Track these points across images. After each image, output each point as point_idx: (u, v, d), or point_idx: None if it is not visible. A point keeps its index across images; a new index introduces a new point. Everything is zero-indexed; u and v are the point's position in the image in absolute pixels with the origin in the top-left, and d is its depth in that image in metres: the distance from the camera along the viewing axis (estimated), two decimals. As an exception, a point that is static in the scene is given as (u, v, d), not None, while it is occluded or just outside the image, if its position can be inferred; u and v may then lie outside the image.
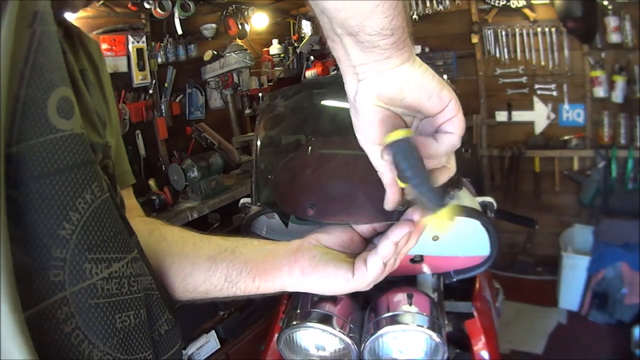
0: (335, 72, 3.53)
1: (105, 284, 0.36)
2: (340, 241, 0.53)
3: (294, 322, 0.95)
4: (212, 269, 0.53)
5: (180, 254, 0.55)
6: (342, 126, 0.78)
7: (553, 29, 2.93)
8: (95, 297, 0.36)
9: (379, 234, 0.54)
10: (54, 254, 0.33)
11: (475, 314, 1.18)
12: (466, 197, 0.95)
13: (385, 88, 0.41)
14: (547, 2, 2.88)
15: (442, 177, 0.46)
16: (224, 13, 3.02)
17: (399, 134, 0.40)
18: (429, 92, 0.42)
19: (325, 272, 0.49)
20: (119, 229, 0.39)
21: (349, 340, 0.94)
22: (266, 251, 0.54)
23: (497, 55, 3.14)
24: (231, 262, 0.53)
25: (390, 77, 0.41)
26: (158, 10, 2.47)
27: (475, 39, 3.17)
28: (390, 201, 0.48)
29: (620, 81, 2.77)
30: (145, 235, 0.51)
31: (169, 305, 0.47)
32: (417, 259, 1.02)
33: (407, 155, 0.40)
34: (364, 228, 0.53)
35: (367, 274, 0.49)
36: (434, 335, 0.91)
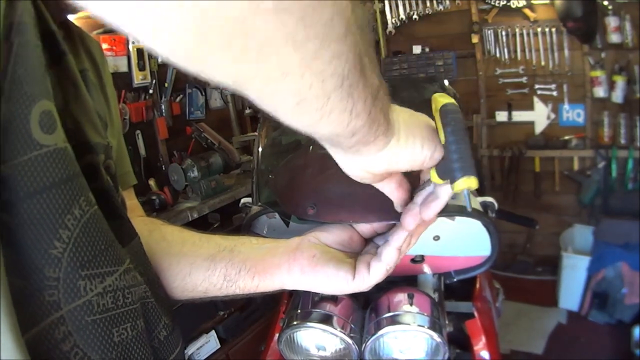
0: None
1: (101, 299, 0.36)
2: (340, 240, 0.53)
3: (295, 322, 0.95)
4: (211, 268, 0.53)
5: (180, 254, 0.54)
6: None
7: (553, 29, 2.93)
8: (92, 314, 0.35)
9: (380, 234, 0.54)
10: (47, 274, 0.33)
11: (475, 314, 1.18)
12: (467, 197, 0.95)
13: (373, 168, 0.39)
14: (547, 2, 2.88)
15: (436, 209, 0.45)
16: (224, 13, 3.02)
17: (445, 100, 0.40)
18: (421, 161, 0.40)
19: (325, 272, 0.49)
20: (110, 241, 0.38)
21: (349, 340, 0.94)
22: (265, 249, 0.54)
23: (497, 55, 3.14)
24: (230, 261, 0.53)
25: (372, 162, 0.38)
26: (158, 10, 2.47)
27: (475, 39, 3.17)
28: (402, 201, 0.48)
29: (620, 81, 2.77)
30: (145, 236, 0.51)
31: (166, 310, 0.47)
32: (418, 259, 1.02)
33: (454, 119, 0.39)
34: (364, 227, 0.53)
35: (368, 278, 0.49)
36: (435, 336, 0.91)
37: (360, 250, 0.53)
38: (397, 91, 0.82)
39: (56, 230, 0.33)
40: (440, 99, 0.40)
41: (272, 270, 0.51)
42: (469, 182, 0.37)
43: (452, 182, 0.37)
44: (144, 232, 0.52)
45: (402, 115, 0.40)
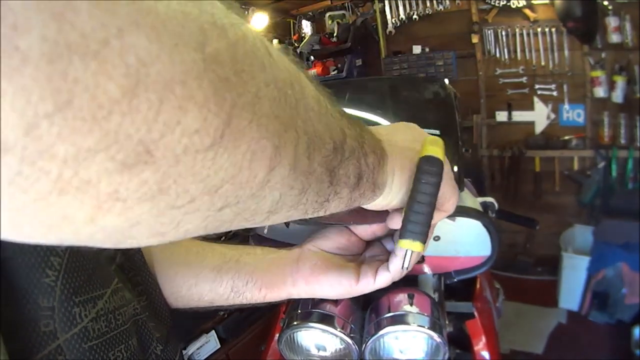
0: (335, 72, 3.54)
1: (95, 324, 0.36)
2: (339, 244, 0.53)
3: (295, 322, 0.95)
4: (217, 280, 0.53)
5: (184, 264, 0.54)
6: None
7: (553, 29, 2.93)
8: (88, 340, 0.35)
9: (381, 236, 0.54)
10: (41, 304, 0.32)
11: (475, 314, 1.18)
12: (467, 198, 0.95)
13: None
14: (547, 2, 2.88)
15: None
16: (224, 13, 3.02)
17: (431, 150, 0.38)
18: None
19: (327, 279, 0.50)
20: (97, 262, 0.38)
21: (349, 341, 0.94)
22: (270, 261, 0.54)
23: (497, 55, 3.14)
24: (237, 272, 0.53)
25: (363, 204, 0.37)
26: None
27: (475, 39, 3.17)
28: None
29: (620, 81, 2.77)
30: None
31: (159, 323, 0.47)
32: (418, 259, 1.02)
33: (429, 178, 0.37)
34: (363, 230, 0.53)
35: (373, 284, 0.49)
36: (435, 336, 0.91)
37: (360, 253, 0.54)
38: (398, 91, 0.82)
39: (47, 257, 0.32)
40: (428, 147, 0.38)
41: (278, 283, 0.52)
42: (412, 246, 0.38)
43: (400, 237, 0.38)
44: None
45: (398, 161, 0.38)
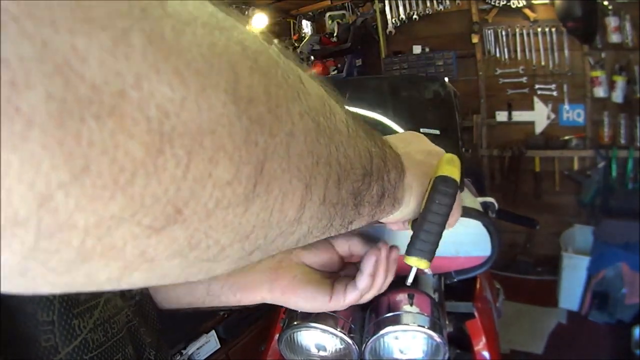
0: (335, 72, 3.54)
1: (94, 334, 0.35)
2: (320, 260, 0.54)
3: (295, 322, 0.95)
4: (193, 284, 0.53)
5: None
6: None
7: (553, 29, 2.93)
8: (89, 352, 0.35)
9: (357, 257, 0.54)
10: (40, 319, 0.32)
11: (476, 314, 1.18)
12: (467, 198, 0.95)
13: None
14: (547, 2, 2.88)
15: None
16: (224, 13, 3.02)
17: (447, 169, 0.37)
18: None
19: (304, 293, 0.51)
20: None
21: (349, 341, 0.94)
22: (247, 265, 0.53)
23: (497, 55, 3.14)
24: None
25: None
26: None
27: (475, 39, 3.17)
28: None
29: (620, 81, 2.77)
30: None
31: (148, 329, 0.47)
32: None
33: (442, 199, 0.37)
34: (343, 248, 0.54)
35: (344, 301, 0.50)
36: (435, 336, 0.91)
37: (337, 270, 0.55)
38: (398, 90, 0.82)
39: None
40: (445, 166, 0.38)
41: (253, 288, 0.52)
42: (419, 263, 0.39)
43: (407, 253, 0.39)
44: None
45: (416, 176, 0.37)
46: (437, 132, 0.75)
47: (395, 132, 0.75)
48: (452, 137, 0.73)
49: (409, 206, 0.38)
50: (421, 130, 0.74)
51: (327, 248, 0.54)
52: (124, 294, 0.45)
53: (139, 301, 0.47)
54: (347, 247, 0.54)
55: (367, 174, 0.27)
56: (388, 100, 0.75)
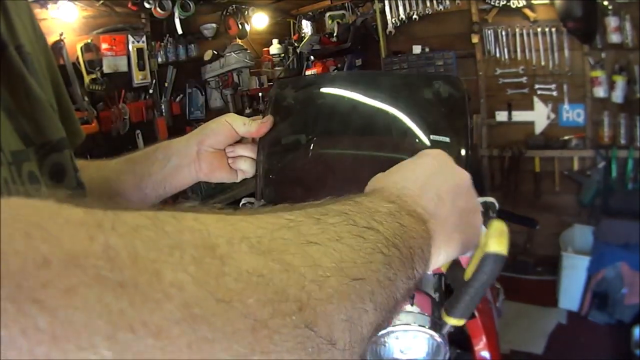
0: (334, 70, 3.53)
1: None
2: (225, 138, 0.68)
3: (295, 322, 0.95)
4: (144, 195, 0.68)
5: (118, 192, 0.68)
6: (358, 127, 0.78)
7: (553, 29, 2.93)
8: None
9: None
10: None
11: (476, 314, 1.18)
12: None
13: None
14: (547, 2, 2.88)
15: None
16: (224, 13, 3.02)
17: (497, 245, 0.38)
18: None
19: (221, 174, 0.70)
20: None
21: (350, 341, 0.94)
22: (175, 167, 0.69)
23: (497, 55, 3.14)
24: (153, 185, 0.68)
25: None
26: (158, 10, 2.47)
27: (475, 39, 3.17)
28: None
29: (620, 81, 2.77)
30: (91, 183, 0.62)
31: None
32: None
33: (492, 273, 0.38)
34: (241, 130, 0.68)
35: (243, 177, 0.72)
36: (436, 336, 0.91)
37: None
38: (411, 89, 0.81)
39: None
40: (494, 241, 0.37)
41: (185, 181, 0.70)
42: (457, 322, 0.41)
43: (450, 314, 0.41)
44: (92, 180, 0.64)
45: (444, 244, 0.37)
46: (447, 140, 0.74)
47: (404, 127, 0.75)
48: (461, 143, 0.72)
49: (438, 259, 0.38)
50: (431, 137, 0.73)
51: (225, 130, 0.68)
52: None
53: None
54: (244, 130, 0.68)
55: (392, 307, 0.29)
56: (393, 99, 0.74)
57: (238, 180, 0.74)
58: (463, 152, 0.77)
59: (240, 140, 0.71)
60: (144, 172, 0.68)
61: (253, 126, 0.68)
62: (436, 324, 0.93)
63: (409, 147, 0.75)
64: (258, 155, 0.70)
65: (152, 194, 0.69)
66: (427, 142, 0.71)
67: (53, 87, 0.54)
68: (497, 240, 0.37)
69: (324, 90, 0.85)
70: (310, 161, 0.97)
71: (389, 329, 0.92)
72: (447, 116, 0.75)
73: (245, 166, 0.71)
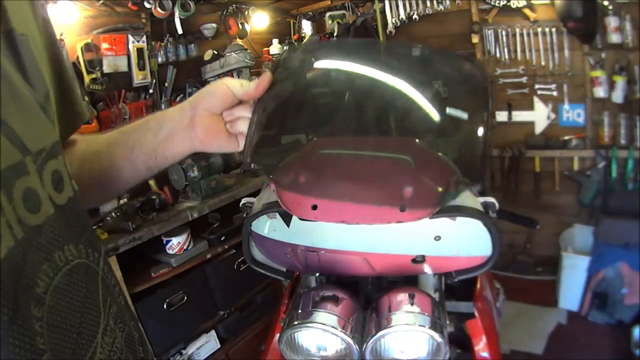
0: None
1: None
2: (223, 102, 0.64)
3: (296, 322, 0.95)
4: (133, 168, 0.65)
5: (111, 167, 0.65)
6: (361, 93, 0.76)
7: (553, 29, 2.93)
8: None
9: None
10: None
11: (476, 314, 1.18)
12: (469, 197, 0.95)
13: None
14: (548, 2, 2.88)
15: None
16: (224, 13, 3.02)
17: None
18: None
19: (219, 141, 0.66)
20: (86, 305, 0.40)
21: (350, 341, 0.94)
22: (167, 133, 0.64)
23: (498, 55, 3.14)
24: (145, 156, 0.64)
25: None
26: (158, 9, 2.47)
27: (475, 39, 3.17)
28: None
29: (620, 81, 2.77)
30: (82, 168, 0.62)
31: (136, 331, 0.51)
32: (419, 259, 1.01)
33: None
34: (239, 91, 0.66)
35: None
36: (436, 336, 0.91)
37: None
38: (431, 63, 0.78)
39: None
40: None
41: (179, 149, 0.65)
42: None
43: None
44: (85, 156, 0.64)
45: None
46: (465, 116, 0.73)
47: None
48: (480, 122, 0.71)
49: None
50: (447, 110, 0.73)
51: (225, 92, 0.64)
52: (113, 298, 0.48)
53: (127, 324, 0.50)
54: (242, 91, 0.65)
55: None
56: (417, 70, 0.73)
57: (240, 148, 0.68)
58: (481, 131, 0.75)
59: (239, 104, 0.67)
60: (134, 142, 0.64)
61: (251, 86, 0.65)
62: (436, 324, 0.93)
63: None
64: (253, 115, 0.66)
65: (143, 166, 0.64)
66: (437, 118, 0.70)
67: (54, 66, 0.52)
68: None
69: (331, 57, 0.83)
70: (311, 160, 0.97)
71: (390, 328, 0.92)
72: (469, 94, 0.74)
73: (245, 127, 0.66)
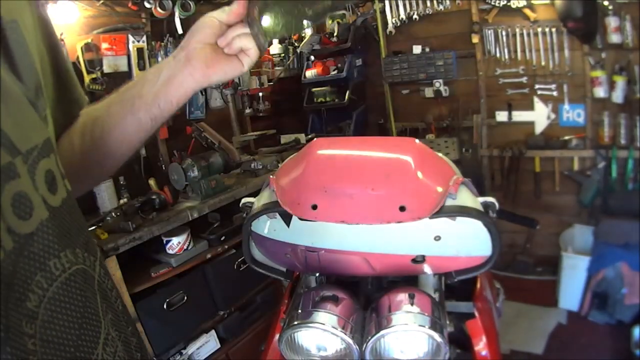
0: (335, 72, 3.53)
1: None
2: (211, 31, 0.63)
3: (296, 322, 0.95)
4: (136, 120, 0.63)
5: (114, 126, 0.64)
6: None
7: (553, 29, 2.92)
8: None
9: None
10: None
11: (476, 314, 1.18)
12: (469, 197, 0.95)
13: None
14: (548, 2, 2.88)
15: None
16: (224, 13, 3.01)
17: None
18: None
19: (221, 67, 0.63)
20: (86, 316, 0.39)
21: (350, 341, 0.94)
22: (166, 80, 0.63)
23: (498, 55, 3.14)
24: (146, 106, 0.62)
25: None
26: (159, 9, 2.47)
27: (475, 39, 3.17)
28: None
29: (620, 81, 2.77)
30: (85, 134, 0.61)
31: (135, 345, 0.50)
32: (419, 259, 1.01)
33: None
34: (223, 16, 0.63)
35: (249, 60, 0.64)
36: (436, 336, 0.91)
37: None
38: None
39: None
40: None
41: (181, 91, 0.63)
42: None
43: None
44: (89, 125, 0.63)
45: None
46: None
47: None
48: None
49: None
50: None
51: (212, 22, 0.63)
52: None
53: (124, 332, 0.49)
54: (226, 14, 0.63)
55: None
56: None
57: (245, 68, 0.66)
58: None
59: (230, 28, 0.65)
60: (134, 96, 0.63)
61: (234, 5, 0.62)
62: (436, 324, 0.93)
63: None
64: (252, 29, 0.64)
65: (146, 117, 0.63)
66: None
67: (49, 46, 0.51)
68: None
69: None
70: (311, 161, 0.97)
71: (389, 328, 0.92)
72: None
73: (243, 42, 0.63)
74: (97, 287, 0.44)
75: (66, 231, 0.40)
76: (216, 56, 0.63)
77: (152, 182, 2.33)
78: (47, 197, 0.37)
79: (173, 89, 0.63)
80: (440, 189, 0.92)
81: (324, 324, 0.93)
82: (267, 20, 0.65)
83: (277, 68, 3.45)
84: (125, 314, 0.51)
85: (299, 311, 0.97)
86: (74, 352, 0.36)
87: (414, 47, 3.40)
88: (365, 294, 1.13)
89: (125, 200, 2.15)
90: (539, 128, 3.17)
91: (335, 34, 3.53)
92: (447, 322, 0.97)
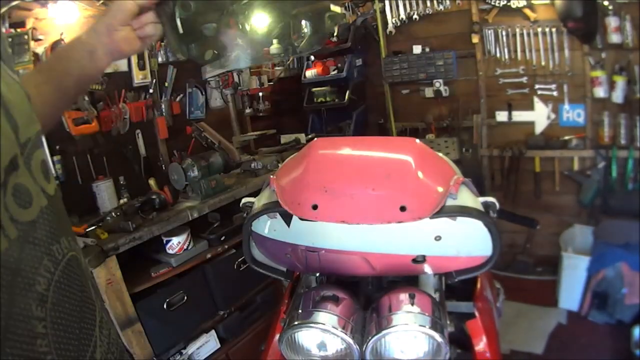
0: (335, 72, 3.53)
1: None
2: (131, 14, 0.73)
3: (296, 322, 0.95)
4: (65, 97, 0.73)
5: (44, 104, 0.68)
6: None
7: (553, 29, 2.93)
8: None
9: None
10: None
11: (476, 314, 1.18)
12: (469, 197, 0.95)
13: None
14: (548, 2, 2.88)
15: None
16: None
17: None
18: None
19: (133, 47, 0.75)
20: (81, 314, 0.40)
21: (350, 341, 0.94)
22: (90, 54, 0.72)
23: (498, 55, 3.14)
24: (76, 80, 0.72)
25: None
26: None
27: (475, 39, 3.17)
28: None
29: (620, 81, 2.77)
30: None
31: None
32: (420, 259, 1.01)
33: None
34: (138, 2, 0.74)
35: (148, 43, 0.78)
36: (436, 336, 0.91)
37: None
38: None
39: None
40: None
41: (102, 65, 0.74)
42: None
43: None
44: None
45: None
46: None
47: None
48: None
49: None
50: None
51: (131, 5, 0.72)
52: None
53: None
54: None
55: None
56: None
57: (142, 48, 0.79)
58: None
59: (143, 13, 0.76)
60: (62, 74, 0.71)
61: None
62: (437, 324, 0.93)
63: None
64: (160, 17, 0.78)
65: (73, 91, 0.73)
66: None
67: None
68: None
69: None
70: (311, 160, 0.97)
71: (390, 328, 0.92)
72: None
73: (152, 30, 0.76)
74: (86, 272, 0.46)
75: (60, 218, 0.41)
76: (132, 37, 0.75)
77: (152, 182, 2.33)
78: (44, 186, 0.39)
79: (97, 65, 0.74)
80: (440, 189, 0.92)
81: (324, 324, 0.93)
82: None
83: (276, 68, 3.45)
84: (98, 296, 0.53)
85: (299, 311, 0.97)
86: (78, 333, 0.37)
87: (414, 47, 3.40)
88: (366, 294, 1.12)
89: (125, 200, 2.15)
90: (539, 128, 3.17)
91: (335, 34, 3.53)
92: (448, 322, 0.97)
